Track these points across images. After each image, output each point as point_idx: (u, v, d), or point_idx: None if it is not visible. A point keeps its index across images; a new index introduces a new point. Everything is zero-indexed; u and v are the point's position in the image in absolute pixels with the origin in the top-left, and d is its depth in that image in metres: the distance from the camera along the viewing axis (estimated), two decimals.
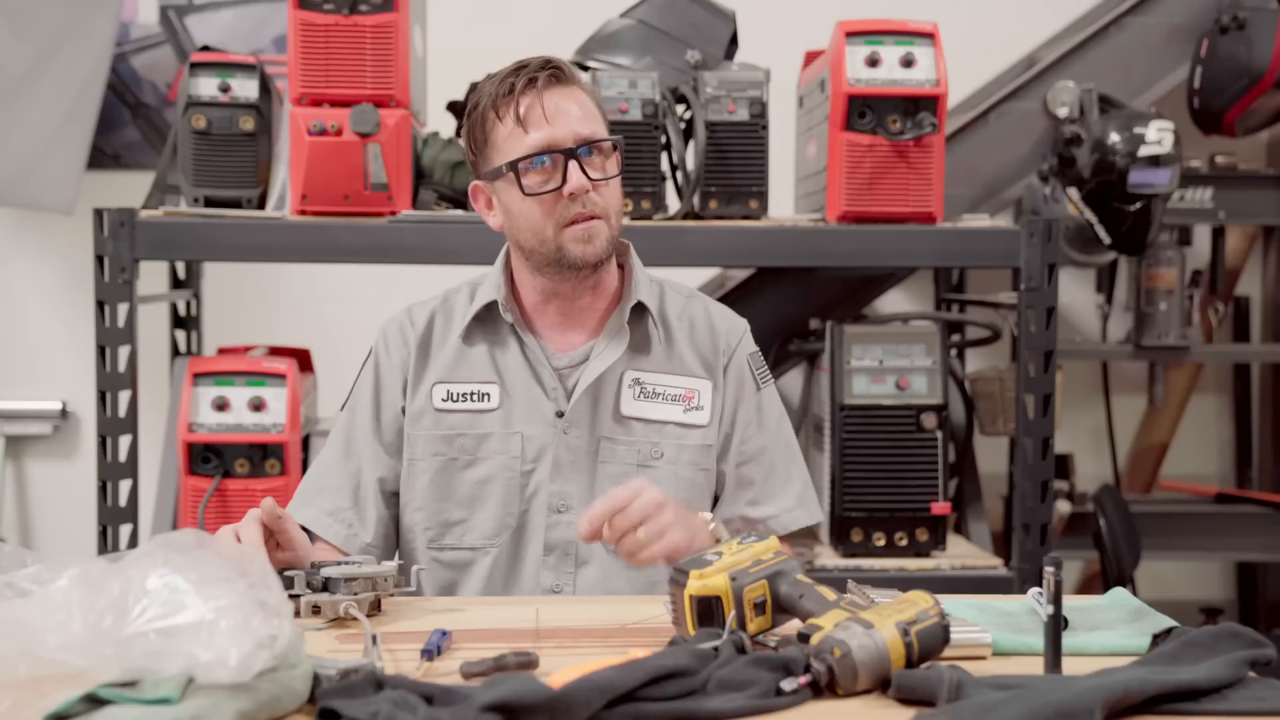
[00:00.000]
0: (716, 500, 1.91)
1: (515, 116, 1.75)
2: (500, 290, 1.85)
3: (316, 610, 1.50)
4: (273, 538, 1.60)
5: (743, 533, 1.47)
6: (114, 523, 2.56)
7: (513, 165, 1.76)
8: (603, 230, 1.77)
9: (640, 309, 1.86)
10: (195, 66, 2.65)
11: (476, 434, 1.84)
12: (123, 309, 2.54)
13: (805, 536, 2.95)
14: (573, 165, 1.74)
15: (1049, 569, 1.27)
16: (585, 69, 2.81)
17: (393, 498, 1.89)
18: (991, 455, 3.45)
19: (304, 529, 1.84)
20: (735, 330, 1.92)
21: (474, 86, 2.76)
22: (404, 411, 1.87)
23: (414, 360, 1.87)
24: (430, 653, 1.34)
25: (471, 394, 1.85)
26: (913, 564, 2.74)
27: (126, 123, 3.61)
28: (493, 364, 1.86)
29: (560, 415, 1.83)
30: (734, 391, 1.89)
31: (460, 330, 1.86)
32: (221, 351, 2.95)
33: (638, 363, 1.86)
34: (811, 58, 2.91)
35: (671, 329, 1.89)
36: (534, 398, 1.84)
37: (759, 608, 1.36)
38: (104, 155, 3.57)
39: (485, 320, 1.87)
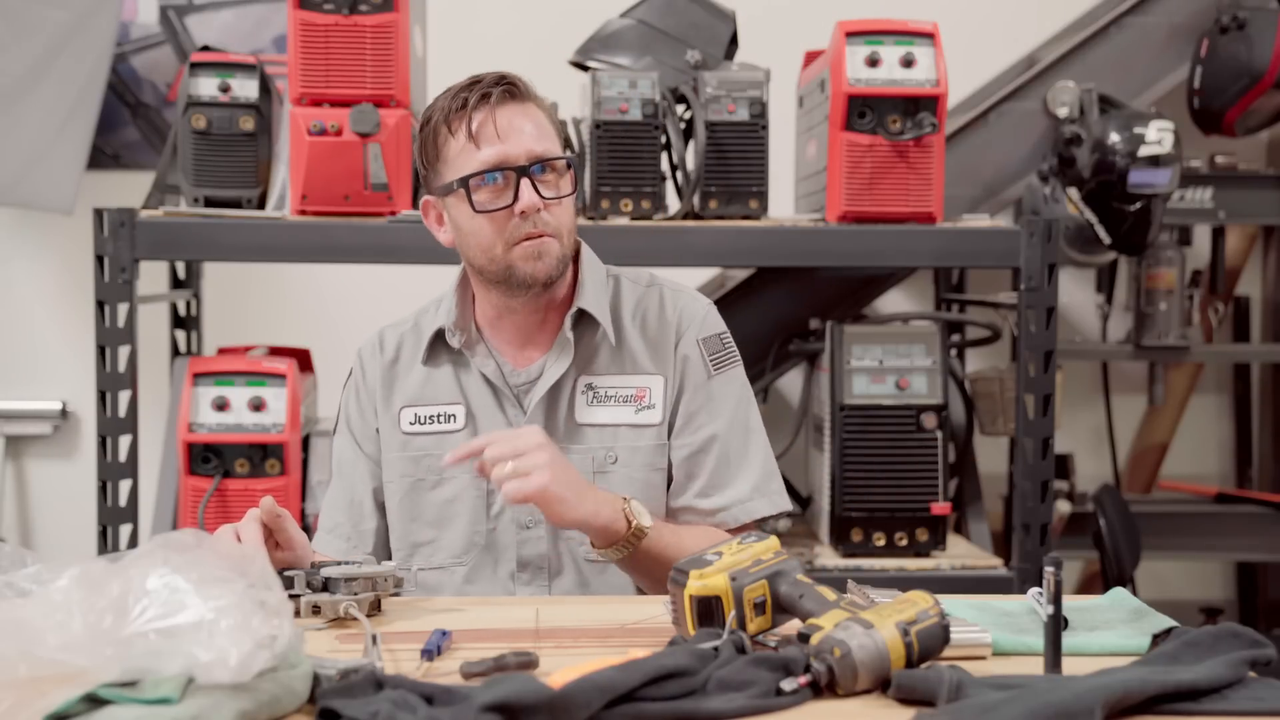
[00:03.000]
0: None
1: (467, 132, 1.73)
2: (450, 314, 1.84)
3: (316, 610, 1.50)
4: (272, 537, 1.60)
5: (744, 534, 1.47)
6: (114, 523, 2.57)
7: (464, 181, 1.73)
8: (553, 248, 1.75)
9: (587, 313, 1.83)
10: (195, 66, 2.66)
11: (443, 454, 1.81)
12: (123, 309, 2.54)
13: (805, 536, 2.96)
14: (525, 183, 1.72)
15: (1049, 569, 1.27)
16: (585, 69, 2.81)
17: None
18: (991, 455, 3.45)
19: None
20: (688, 314, 1.86)
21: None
22: (378, 433, 1.88)
23: (380, 386, 1.87)
24: (430, 653, 1.34)
25: (438, 415, 1.85)
26: (913, 564, 2.73)
27: (126, 123, 3.61)
28: (457, 384, 1.85)
29: None
30: (678, 379, 1.84)
31: (422, 355, 1.86)
32: (221, 351, 2.95)
33: (589, 368, 1.83)
34: (811, 58, 2.91)
35: (624, 327, 1.85)
36: (494, 416, 1.83)
37: (759, 608, 1.36)
38: (104, 155, 3.57)
39: (447, 340, 1.86)
